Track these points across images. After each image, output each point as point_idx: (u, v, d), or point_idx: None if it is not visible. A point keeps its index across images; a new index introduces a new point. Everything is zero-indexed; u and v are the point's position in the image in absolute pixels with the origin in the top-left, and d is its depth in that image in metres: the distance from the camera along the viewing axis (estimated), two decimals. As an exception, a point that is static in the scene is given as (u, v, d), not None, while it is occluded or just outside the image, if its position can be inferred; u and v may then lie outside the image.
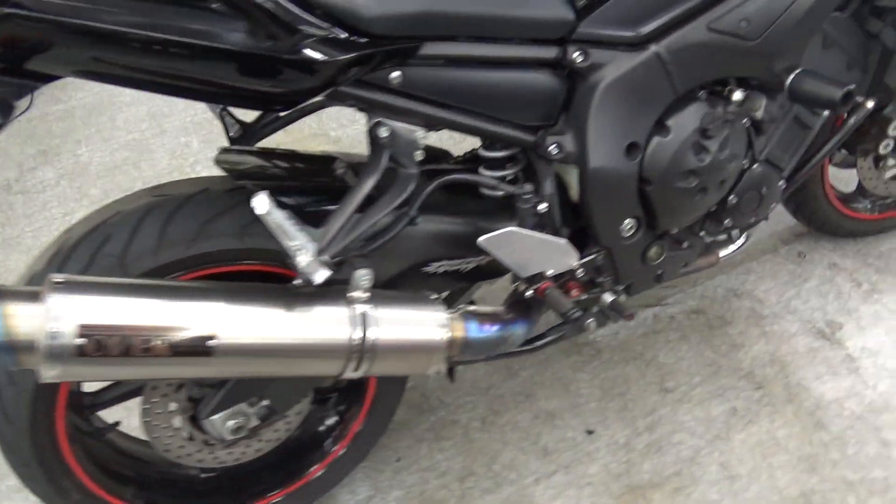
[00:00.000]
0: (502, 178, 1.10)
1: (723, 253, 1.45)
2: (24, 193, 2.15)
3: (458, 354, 1.05)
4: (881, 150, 1.52)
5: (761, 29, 1.05)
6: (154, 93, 0.83)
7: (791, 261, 1.82)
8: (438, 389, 1.56)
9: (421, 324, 0.97)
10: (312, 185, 1.04)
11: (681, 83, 1.06)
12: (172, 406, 1.06)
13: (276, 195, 0.97)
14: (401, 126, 0.96)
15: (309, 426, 1.24)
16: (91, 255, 0.93)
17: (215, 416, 1.03)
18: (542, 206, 1.06)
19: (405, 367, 0.99)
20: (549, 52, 1.01)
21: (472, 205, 1.10)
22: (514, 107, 1.04)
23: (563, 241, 1.08)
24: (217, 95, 0.85)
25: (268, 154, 1.10)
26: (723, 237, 1.38)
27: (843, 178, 1.78)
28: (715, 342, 1.62)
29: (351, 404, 1.24)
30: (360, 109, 0.95)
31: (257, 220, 0.97)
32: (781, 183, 1.26)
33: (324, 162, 1.11)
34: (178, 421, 1.09)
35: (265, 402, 1.06)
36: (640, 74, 1.04)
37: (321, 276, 0.86)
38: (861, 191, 1.72)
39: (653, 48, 1.03)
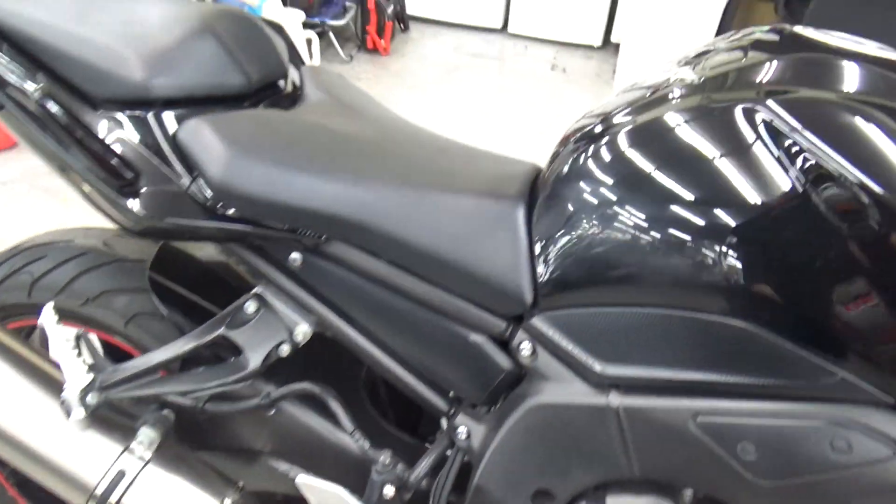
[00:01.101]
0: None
1: None
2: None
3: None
4: None
5: (770, 470, 0.66)
6: None
7: None
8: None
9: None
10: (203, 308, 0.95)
11: (639, 466, 0.73)
12: None
13: (162, 299, 0.93)
14: (284, 310, 0.83)
15: None
16: (21, 266, 1.00)
17: None
18: (388, 490, 0.83)
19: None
20: (493, 324, 0.78)
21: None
22: (433, 360, 0.83)
23: None
24: None
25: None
26: None
27: None
28: None
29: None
30: (248, 272, 0.85)
31: (143, 314, 0.95)
32: None
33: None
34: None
35: None
36: (587, 421, 0.74)
37: (76, 414, 0.79)
38: None
39: (612, 399, 0.72)
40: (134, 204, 0.74)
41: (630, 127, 0.69)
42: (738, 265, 0.63)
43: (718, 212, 0.63)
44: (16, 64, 0.71)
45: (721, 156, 0.64)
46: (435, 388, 0.84)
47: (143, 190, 0.74)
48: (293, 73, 0.94)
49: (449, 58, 4.09)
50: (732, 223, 0.62)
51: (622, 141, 0.69)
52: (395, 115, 0.97)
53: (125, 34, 0.76)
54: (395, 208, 0.75)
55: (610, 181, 0.70)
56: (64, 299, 0.97)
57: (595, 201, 0.70)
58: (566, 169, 0.73)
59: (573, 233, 0.71)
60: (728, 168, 0.63)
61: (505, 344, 0.79)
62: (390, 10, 3.86)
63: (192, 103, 0.78)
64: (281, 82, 0.90)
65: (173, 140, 0.76)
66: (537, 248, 0.73)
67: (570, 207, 0.72)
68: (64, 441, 0.83)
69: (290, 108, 0.87)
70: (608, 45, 4.31)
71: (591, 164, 0.71)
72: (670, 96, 0.70)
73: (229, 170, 0.74)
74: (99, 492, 0.82)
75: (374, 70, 3.84)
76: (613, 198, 0.69)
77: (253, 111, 0.83)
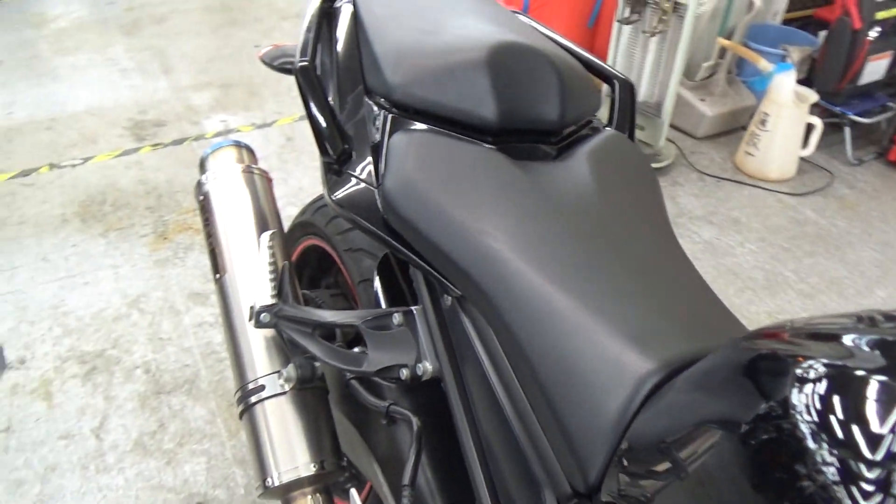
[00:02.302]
0: None
1: None
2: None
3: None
4: None
5: None
6: None
7: None
8: None
9: (276, 451, 0.93)
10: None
11: None
12: None
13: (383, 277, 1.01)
14: (421, 340, 0.83)
15: None
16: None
17: None
18: None
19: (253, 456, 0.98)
20: (562, 488, 0.66)
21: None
22: (506, 484, 0.73)
23: None
24: None
25: None
26: None
27: None
28: None
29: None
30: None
31: (368, 282, 1.07)
32: None
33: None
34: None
35: None
36: None
37: (252, 322, 0.93)
38: None
39: None
40: (330, 181, 0.82)
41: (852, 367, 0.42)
42: None
43: None
44: (310, 40, 0.85)
45: None
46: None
47: (343, 174, 0.82)
48: (580, 128, 0.88)
49: None
50: None
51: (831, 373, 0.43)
52: (660, 227, 0.80)
53: (415, 42, 0.83)
54: (529, 307, 0.67)
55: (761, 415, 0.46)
56: (339, 239, 1.16)
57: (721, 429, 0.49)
58: (713, 365, 0.53)
59: (666, 456, 0.52)
60: None
61: None
62: (941, 127, 3.15)
63: (437, 121, 0.81)
64: (560, 133, 0.85)
65: (389, 142, 0.81)
66: (625, 442, 0.57)
67: (683, 415, 0.53)
68: (251, 334, 1.00)
69: (534, 160, 0.82)
70: None
71: (754, 374, 0.47)
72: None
73: (400, 186, 0.76)
74: (247, 388, 0.98)
75: (875, 184, 3.21)
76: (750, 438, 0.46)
77: (476, 147, 0.80)
